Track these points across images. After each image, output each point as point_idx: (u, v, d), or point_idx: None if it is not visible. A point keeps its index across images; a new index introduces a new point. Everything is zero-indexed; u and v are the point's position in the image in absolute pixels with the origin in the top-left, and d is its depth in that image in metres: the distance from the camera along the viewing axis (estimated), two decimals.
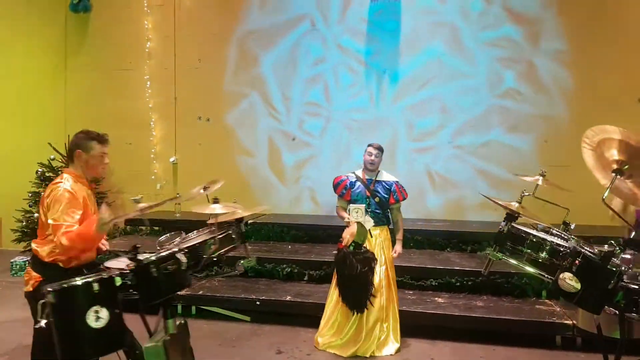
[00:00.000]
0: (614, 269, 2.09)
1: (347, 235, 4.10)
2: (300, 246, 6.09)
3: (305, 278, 5.38)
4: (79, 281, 2.15)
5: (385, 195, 4.27)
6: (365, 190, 4.26)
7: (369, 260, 4.00)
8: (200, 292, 5.13)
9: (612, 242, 2.19)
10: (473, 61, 6.57)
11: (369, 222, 4.11)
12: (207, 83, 7.39)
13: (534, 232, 2.41)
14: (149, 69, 7.62)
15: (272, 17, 7.14)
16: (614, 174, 2.28)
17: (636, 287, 2.09)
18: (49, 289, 2.07)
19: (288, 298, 4.92)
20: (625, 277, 2.13)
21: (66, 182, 2.64)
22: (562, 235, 2.42)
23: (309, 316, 4.66)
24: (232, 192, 6.93)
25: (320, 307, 4.62)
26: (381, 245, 4.22)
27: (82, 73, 7.86)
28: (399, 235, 4.35)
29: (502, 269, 5.03)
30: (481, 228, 5.99)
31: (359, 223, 4.06)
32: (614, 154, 2.30)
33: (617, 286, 2.09)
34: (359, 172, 4.37)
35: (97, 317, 2.16)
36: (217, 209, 2.83)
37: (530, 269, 2.37)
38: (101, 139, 2.77)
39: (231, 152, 7.32)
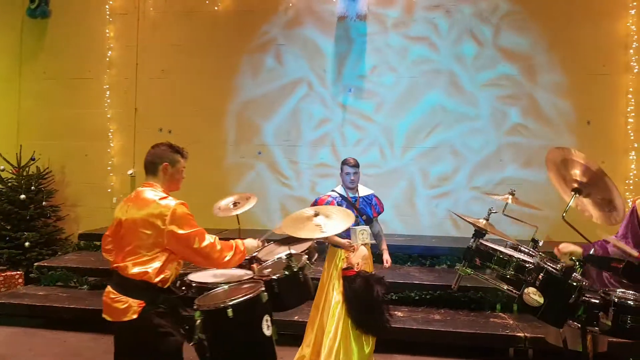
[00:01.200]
0: (575, 284, 2.19)
1: (359, 260, 3.88)
2: None
3: None
4: (253, 293, 2.31)
5: (370, 211, 4.17)
6: (353, 209, 4.05)
7: (383, 281, 3.89)
8: None
9: (573, 258, 2.30)
10: (475, 103, 6.71)
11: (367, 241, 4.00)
12: (170, 94, 7.28)
13: (500, 248, 2.49)
14: (109, 78, 7.45)
15: (267, 85, 7.11)
16: (573, 193, 2.40)
17: (597, 301, 2.19)
18: (230, 304, 2.25)
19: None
20: (586, 292, 2.23)
21: (167, 197, 2.56)
22: (528, 251, 2.51)
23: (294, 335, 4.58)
24: (199, 208, 6.93)
25: (286, 324, 4.60)
26: (368, 262, 4.07)
27: (37, 81, 7.59)
28: (384, 245, 4.24)
29: (461, 283, 5.20)
30: (439, 243, 6.16)
31: (366, 245, 3.94)
32: (576, 174, 2.42)
33: (578, 301, 2.19)
34: (341, 191, 4.17)
35: (268, 326, 2.33)
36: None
37: (497, 284, 2.45)
38: (184, 153, 2.75)
39: (195, 164, 7.19)
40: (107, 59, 7.44)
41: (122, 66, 7.42)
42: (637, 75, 6.42)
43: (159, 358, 2.45)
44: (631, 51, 6.43)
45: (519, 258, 2.38)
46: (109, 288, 2.55)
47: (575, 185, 2.43)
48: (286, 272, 2.53)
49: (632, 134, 6.41)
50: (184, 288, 2.63)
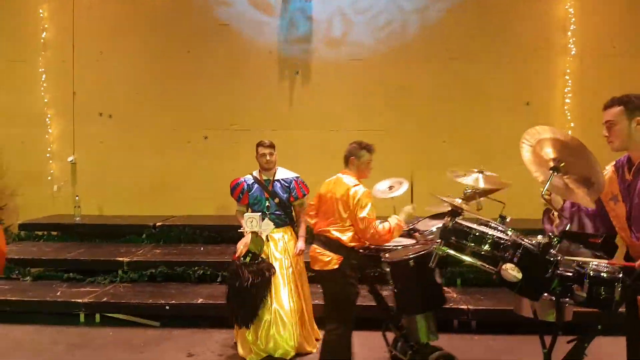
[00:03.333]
0: (552, 259, 2.27)
1: (241, 246, 3.98)
2: (214, 247, 5.95)
3: (219, 279, 5.28)
4: (427, 249, 2.90)
5: (285, 194, 4.18)
6: (264, 192, 4.14)
7: (262, 271, 3.85)
8: (105, 299, 4.88)
9: (550, 234, 2.36)
10: None
11: (269, 226, 3.99)
12: (110, 77, 6.97)
13: (475, 226, 2.52)
14: (45, 62, 7.03)
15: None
16: (551, 171, 2.39)
17: (570, 274, 2.27)
18: (412, 256, 3.07)
19: (200, 301, 4.82)
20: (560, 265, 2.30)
21: (359, 184, 3.32)
22: (500, 228, 2.54)
23: (222, 318, 4.58)
24: (144, 195, 6.77)
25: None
26: (285, 247, 4.11)
27: None
28: (301, 232, 4.25)
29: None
30: None
31: (254, 233, 3.92)
32: (548, 152, 2.42)
33: (553, 274, 2.26)
34: (257, 174, 4.24)
35: (440, 275, 3.24)
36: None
37: (473, 261, 2.48)
38: (369, 149, 3.45)
39: (137, 150, 6.99)
40: (42, 41, 7.01)
41: (58, 48, 7.01)
42: (574, 57, 6.69)
43: (344, 299, 3.35)
44: (569, 33, 6.68)
45: (494, 235, 2.42)
46: (314, 245, 3.45)
47: (552, 163, 2.40)
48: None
49: (569, 114, 6.72)
50: (361, 250, 3.40)
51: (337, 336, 3.36)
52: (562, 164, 2.38)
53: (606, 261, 2.30)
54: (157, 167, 6.95)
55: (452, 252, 2.50)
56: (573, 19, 6.66)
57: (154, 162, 6.97)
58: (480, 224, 2.58)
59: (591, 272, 2.22)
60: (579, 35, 6.67)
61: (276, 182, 4.20)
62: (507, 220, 2.76)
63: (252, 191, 4.17)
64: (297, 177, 4.29)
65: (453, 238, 2.50)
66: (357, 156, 3.41)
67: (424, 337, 3.33)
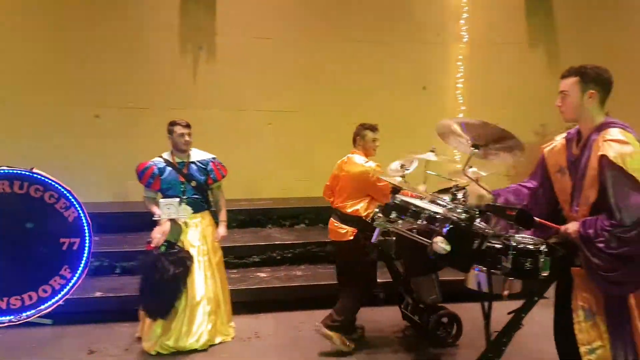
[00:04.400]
0: (477, 232, 2.36)
1: (158, 235, 3.71)
2: (110, 237, 5.46)
3: (117, 271, 4.91)
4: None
5: (202, 177, 3.96)
6: (178, 176, 3.88)
7: (184, 260, 3.70)
8: None
9: (474, 208, 2.45)
10: None
11: (186, 211, 3.80)
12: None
13: (414, 201, 2.61)
14: None
15: None
16: (472, 148, 2.56)
17: (500, 246, 2.35)
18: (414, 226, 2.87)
19: (98, 294, 4.45)
20: (492, 238, 2.39)
21: (368, 160, 3.77)
22: (446, 204, 2.63)
23: (125, 311, 4.26)
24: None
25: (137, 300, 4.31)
26: (203, 233, 3.93)
27: None
28: (222, 217, 4.10)
29: (316, 239, 5.38)
30: (299, 204, 6.27)
31: (172, 220, 3.72)
32: (466, 137, 2.61)
33: (482, 247, 2.33)
34: (167, 156, 3.93)
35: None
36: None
37: (410, 235, 2.57)
38: (372, 128, 3.84)
39: (16, 132, 6.19)
40: None
41: None
42: (466, 45, 7.14)
43: (362, 265, 3.76)
44: (462, 21, 7.10)
45: (430, 210, 2.50)
46: (332, 219, 3.85)
47: (471, 142, 2.60)
48: None
49: (461, 98, 7.18)
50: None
51: (347, 298, 3.78)
52: (479, 141, 2.59)
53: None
54: (41, 150, 6.18)
55: (390, 226, 2.59)
56: (466, 8, 7.10)
57: (37, 145, 6.19)
58: (427, 201, 2.70)
59: (514, 244, 2.33)
60: (471, 24, 7.12)
61: (192, 164, 3.95)
62: (459, 196, 2.86)
63: (165, 175, 3.87)
64: (214, 159, 4.08)
65: (394, 213, 2.58)
66: (361, 136, 3.82)
67: (428, 296, 3.78)
